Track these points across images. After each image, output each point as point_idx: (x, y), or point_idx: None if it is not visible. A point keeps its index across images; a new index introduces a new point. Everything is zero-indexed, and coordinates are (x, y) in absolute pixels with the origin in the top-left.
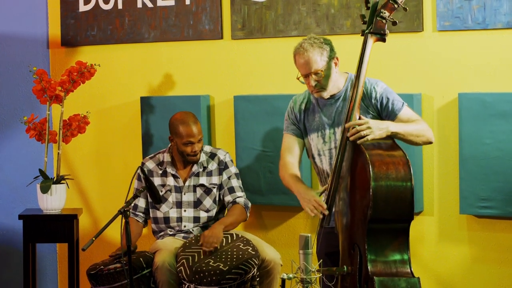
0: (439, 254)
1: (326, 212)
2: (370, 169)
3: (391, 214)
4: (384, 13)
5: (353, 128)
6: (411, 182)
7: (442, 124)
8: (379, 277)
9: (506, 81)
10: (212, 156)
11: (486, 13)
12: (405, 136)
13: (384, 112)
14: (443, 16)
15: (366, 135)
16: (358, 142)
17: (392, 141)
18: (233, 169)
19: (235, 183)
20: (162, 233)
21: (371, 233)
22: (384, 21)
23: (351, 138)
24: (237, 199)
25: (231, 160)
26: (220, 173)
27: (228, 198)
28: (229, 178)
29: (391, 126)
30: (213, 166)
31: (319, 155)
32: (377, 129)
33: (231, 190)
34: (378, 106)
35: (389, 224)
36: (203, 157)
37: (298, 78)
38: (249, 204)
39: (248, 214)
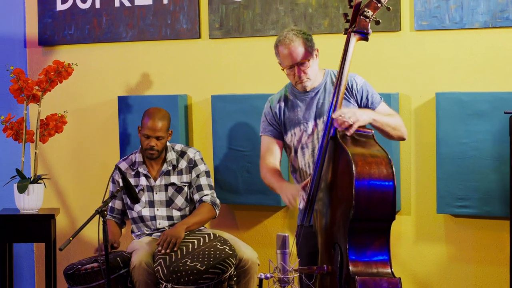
0: (416, 253)
1: (304, 198)
2: (353, 168)
3: (373, 214)
4: (368, 12)
5: (340, 117)
6: (393, 182)
7: (420, 123)
8: (360, 277)
9: (483, 81)
10: (182, 154)
11: (463, 12)
12: (383, 126)
13: (363, 104)
14: (421, 15)
15: (354, 122)
16: (348, 133)
17: (374, 140)
18: (202, 167)
19: (204, 181)
20: (140, 232)
21: (353, 232)
22: (367, 20)
23: (339, 128)
24: (204, 198)
25: (201, 158)
26: (189, 172)
27: (196, 196)
28: (198, 176)
29: (373, 113)
30: (183, 164)
31: (302, 148)
32: (360, 115)
33: (199, 188)
34: (359, 97)
35: (370, 224)
36: (173, 155)
37: (282, 69)
38: (217, 201)
39: (217, 211)
